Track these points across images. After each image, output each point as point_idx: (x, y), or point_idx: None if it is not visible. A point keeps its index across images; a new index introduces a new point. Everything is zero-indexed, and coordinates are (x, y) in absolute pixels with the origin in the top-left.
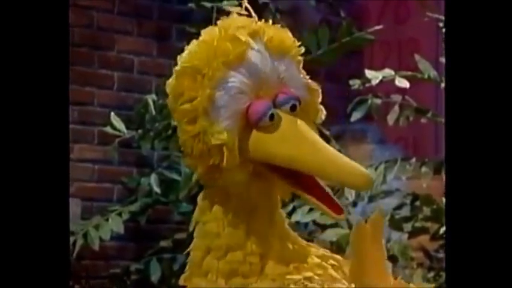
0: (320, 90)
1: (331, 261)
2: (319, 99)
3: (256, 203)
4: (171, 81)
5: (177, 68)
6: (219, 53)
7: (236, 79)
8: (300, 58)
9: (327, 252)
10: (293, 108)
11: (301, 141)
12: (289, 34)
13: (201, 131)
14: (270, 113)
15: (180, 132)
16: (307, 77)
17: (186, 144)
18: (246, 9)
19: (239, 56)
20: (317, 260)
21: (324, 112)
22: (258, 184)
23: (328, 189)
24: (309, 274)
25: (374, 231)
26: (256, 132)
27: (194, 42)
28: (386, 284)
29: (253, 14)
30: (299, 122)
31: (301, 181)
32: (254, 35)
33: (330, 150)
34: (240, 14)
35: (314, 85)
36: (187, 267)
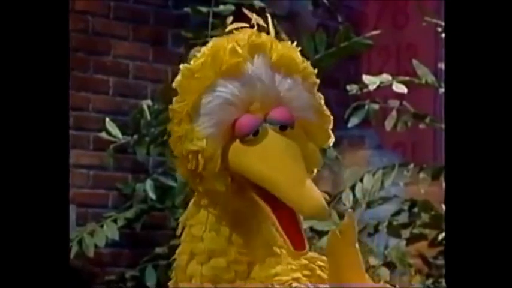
0: (331, 117)
1: (319, 263)
2: (330, 126)
3: (240, 213)
4: (177, 79)
5: (181, 66)
6: (214, 61)
7: (226, 89)
8: (315, 80)
9: (315, 255)
10: (282, 128)
11: (275, 160)
12: (298, 54)
13: (183, 135)
14: (256, 128)
15: (171, 131)
16: (321, 101)
17: (171, 143)
18: (260, 23)
19: (233, 66)
20: (304, 261)
21: (333, 138)
22: (241, 197)
23: (301, 223)
24: (296, 275)
25: (347, 236)
26: (238, 144)
27: (207, 45)
28: None
29: (271, 29)
30: (284, 141)
31: (277, 205)
32: (258, 49)
33: (299, 174)
34: (250, 26)
35: (325, 110)
36: (173, 272)
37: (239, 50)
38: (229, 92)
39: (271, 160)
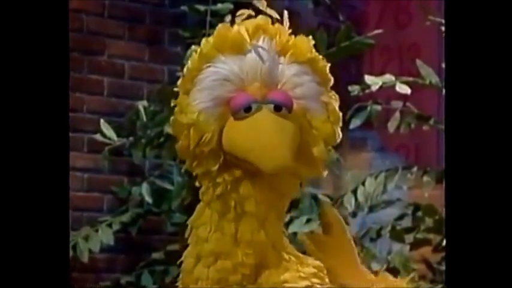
0: (341, 115)
1: None
2: (338, 124)
3: (243, 209)
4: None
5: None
6: (218, 38)
7: (225, 66)
8: (329, 77)
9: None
10: (277, 109)
11: (257, 131)
12: (308, 45)
13: (179, 108)
14: (247, 105)
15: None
16: (334, 99)
17: (172, 122)
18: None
19: (235, 44)
20: (313, 270)
21: (340, 137)
22: (242, 187)
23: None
24: (306, 283)
25: (335, 223)
26: (232, 121)
27: None
28: (361, 279)
29: (286, 21)
30: (274, 118)
31: None
32: (264, 32)
33: (275, 143)
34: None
35: (335, 108)
36: (180, 275)
37: (244, 30)
38: (228, 68)
39: (254, 131)
